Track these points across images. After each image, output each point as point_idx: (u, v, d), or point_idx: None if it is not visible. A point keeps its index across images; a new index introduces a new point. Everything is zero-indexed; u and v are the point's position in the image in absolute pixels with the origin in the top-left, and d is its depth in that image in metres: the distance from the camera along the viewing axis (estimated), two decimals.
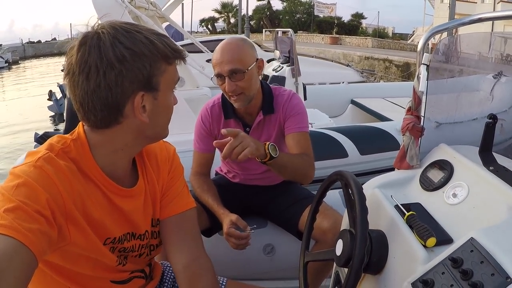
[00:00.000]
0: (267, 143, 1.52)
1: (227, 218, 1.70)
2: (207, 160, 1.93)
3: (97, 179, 0.96)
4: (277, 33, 5.65)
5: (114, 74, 0.85)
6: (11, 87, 18.67)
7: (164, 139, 1.10)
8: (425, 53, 1.22)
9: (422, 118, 1.26)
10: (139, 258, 1.12)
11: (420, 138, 1.27)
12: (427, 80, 1.19)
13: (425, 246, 0.95)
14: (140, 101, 0.90)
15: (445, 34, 1.38)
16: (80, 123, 0.97)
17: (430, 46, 1.36)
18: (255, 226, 1.74)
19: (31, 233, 0.75)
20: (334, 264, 1.33)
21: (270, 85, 1.90)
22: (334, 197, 2.04)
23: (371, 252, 1.05)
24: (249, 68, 1.67)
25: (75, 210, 0.89)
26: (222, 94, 1.85)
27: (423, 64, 1.20)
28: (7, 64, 31.39)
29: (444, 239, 0.97)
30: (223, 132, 1.40)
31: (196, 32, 39.29)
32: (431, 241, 0.95)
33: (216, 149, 1.90)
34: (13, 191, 0.79)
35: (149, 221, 1.12)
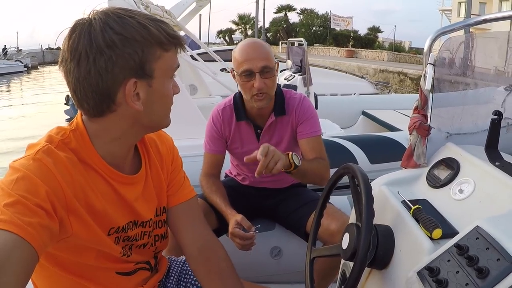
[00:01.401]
0: (290, 153, 1.56)
1: (233, 218, 1.71)
2: (217, 162, 1.93)
3: (98, 167, 0.95)
4: (290, 43, 5.67)
5: (104, 60, 0.84)
6: (29, 91, 19.08)
7: (172, 139, 1.11)
8: (431, 53, 1.23)
9: (429, 116, 1.27)
10: (143, 248, 1.11)
11: (427, 137, 1.27)
12: (433, 78, 1.20)
13: (431, 238, 0.95)
14: (132, 88, 0.88)
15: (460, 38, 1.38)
16: (79, 113, 0.96)
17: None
18: (259, 226, 1.75)
19: (31, 227, 0.75)
20: (341, 263, 1.33)
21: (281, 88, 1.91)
22: (342, 201, 2.05)
23: (377, 246, 1.05)
24: (276, 67, 1.70)
25: (76, 202, 0.88)
26: (234, 96, 1.87)
27: (429, 63, 1.21)
28: (26, 69, 32.18)
29: (450, 231, 0.97)
30: (258, 157, 1.43)
31: (214, 44, 39.63)
32: (437, 232, 0.95)
33: (226, 151, 1.93)
34: (12, 185, 0.79)
35: (153, 210, 1.12)
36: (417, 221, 1.02)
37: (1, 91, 21.61)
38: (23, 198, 0.77)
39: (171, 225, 1.19)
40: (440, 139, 1.32)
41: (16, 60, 33.60)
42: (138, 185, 1.06)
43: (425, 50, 1.28)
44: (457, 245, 0.82)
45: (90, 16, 0.87)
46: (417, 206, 1.05)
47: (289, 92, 1.91)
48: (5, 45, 37.15)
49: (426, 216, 1.00)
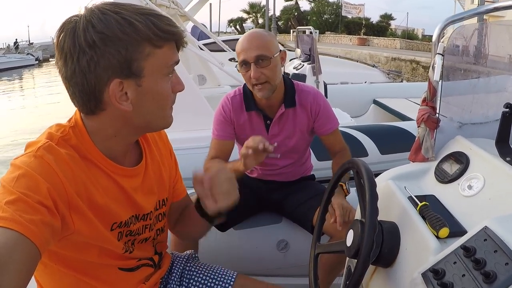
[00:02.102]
0: (343, 185, 1.70)
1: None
2: (226, 148, 1.88)
3: (99, 162, 0.94)
4: (299, 31, 5.59)
5: (86, 60, 0.82)
6: (41, 84, 19.27)
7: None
8: (440, 43, 1.18)
9: (438, 109, 1.22)
10: (145, 242, 1.11)
11: (435, 130, 1.23)
12: (442, 69, 1.15)
13: (437, 237, 0.92)
14: (117, 88, 0.86)
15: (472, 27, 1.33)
16: (77, 110, 0.95)
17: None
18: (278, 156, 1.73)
19: (33, 225, 0.74)
20: (347, 259, 1.31)
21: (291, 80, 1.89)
22: (350, 195, 2.01)
23: (382, 243, 1.02)
24: (274, 55, 1.67)
25: (77, 199, 0.87)
26: (244, 86, 1.85)
27: (438, 53, 1.16)
28: (37, 62, 32.44)
29: (458, 230, 0.94)
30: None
31: (225, 33, 39.49)
32: (444, 231, 0.92)
33: (235, 141, 1.90)
34: (13, 183, 0.78)
35: (153, 202, 1.11)
36: (424, 218, 0.99)
37: (14, 84, 21.90)
38: (25, 196, 0.77)
39: (176, 215, 1.23)
40: (452, 129, 1.28)
41: (28, 54, 33.86)
42: (138, 177, 1.05)
43: (433, 39, 1.24)
44: (464, 247, 0.78)
45: (79, 13, 0.86)
46: (424, 203, 1.02)
47: (301, 84, 1.89)
48: (16, 39, 37.59)
49: (433, 214, 0.96)
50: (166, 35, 0.88)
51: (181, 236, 1.37)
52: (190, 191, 1.96)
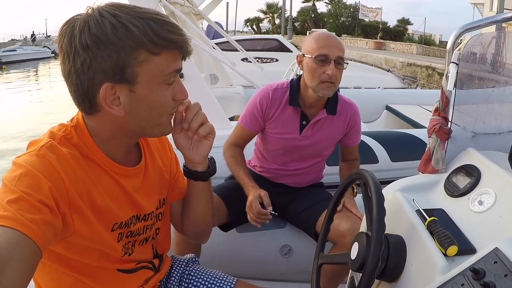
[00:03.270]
0: (354, 188, 1.82)
1: (256, 192, 1.74)
2: (247, 137, 1.93)
3: (101, 162, 0.94)
4: (312, 33, 5.54)
5: (80, 62, 0.82)
6: (56, 76, 19.53)
7: None
8: (454, 51, 1.14)
9: (450, 120, 1.18)
10: (145, 244, 1.10)
11: (446, 141, 1.19)
12: (456, 79, 1.11)
13: (445, 255, 0.89)
14: (109, 92, 0.85)
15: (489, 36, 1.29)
16: (79, 110, 0.95)
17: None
18: (276, 214, 1.74)
19: (34, 224, 0.74)
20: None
21: None
22: (356, 200, 1.98)
23: (387, 257, 0.99)
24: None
25: (78, 199, 0.87)
26: (291, 81, 1.85)
27: (452, 62, 1.12)
28: (53, 55, 32.94)
29: (467, 248, 0.91)
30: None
31: (241, 32, 39.47)
32: (453, 249, 0.89)
33: (263, 129, 1.91)
34: (15, 182, 0.78)
35: (154, 202, 1.10)
36: (432, 234, 0.95)
37: (29, 75, 22.23)
38: (26, 195, 0.76)
39: (177, 214, 1.22)
40: (464, 139, 1.25)
41: (44, 46, 34.47)
42: (138, 176, 1.05)
43: (448, 47, 1.19)
44: (472, 269, 0.75)
45: (82, 13, 0.85)
46: (432, 218, 0.99)
47: (343, 96, 1.91)
48: (33, 31, 38.17)
49: (442, 230, 0.93)
50: (164, 42, 0.85)
51: (191, 233, 1.28)
52: None
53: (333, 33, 1.81)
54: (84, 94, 0.86)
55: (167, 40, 0.85)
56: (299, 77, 1.83)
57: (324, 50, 1.66)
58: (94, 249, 0.94)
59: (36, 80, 20.57)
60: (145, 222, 1.07)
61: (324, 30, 1.77)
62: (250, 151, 2.05)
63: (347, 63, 1.74)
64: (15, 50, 31.56)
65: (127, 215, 1.00)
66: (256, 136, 1.97)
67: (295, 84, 1.82)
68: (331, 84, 1.68)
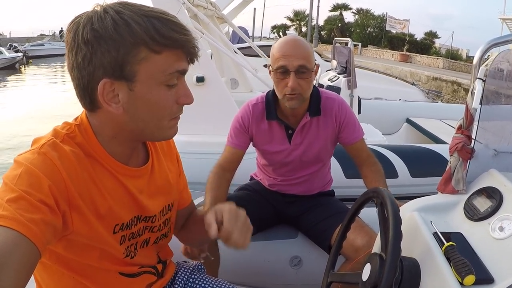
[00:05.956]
0: None
1: None
2: (236, 157, 1.82)
3: (104, 161, 0.93)
4: (336, 42, 5.47)
5: (81, 56, 0.82)
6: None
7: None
8: (481, 67, 1.08)
9: (474, 138, 1.13)
10: (147, 247, 1.08)
11: (469, 161, 1.13)
12: (482, 96, 1.06)
13: (462, 284, 0.85)
14: (107, 89, 0.83)
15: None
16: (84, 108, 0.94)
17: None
18: (211, 259, 1.53)
19: (34, 224, 0.73)
20: None
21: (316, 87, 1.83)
22: (371, 214, 1.92)
23: (400, 281, 0.95)
24: (313, 69, 1.62)
25: (78, 199, 0.85)
26: (267, 94, 1.79)
27: (479, 78, 1.07)
28: None
29: (484, 277, 0.86)
30: None
31: (267, 38, 39.54)
32: (470, 279, 0.84)
33: (256, 148, 1.85)
34: (15, 180, 0.77)
35: (158, 205, 1.08)
36: (449, 260, 0.91)
37: (56, 70, 22.72)
38: (26, 194, 0.75)
39: (181, 221, 1.23)
40: (487, 158, 1.20)
41: None
42: (143, 178, 1.03)
43: (474, 62, 1.14)
44: None
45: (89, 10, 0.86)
46: (450, 243, 0.94)
47: (324, 92, 1.82)
48: (61, 28, 39.28)
49: (459, 257, 0.89)
50: (166, 40, 0.83)
51: (184, 241, 1.35)
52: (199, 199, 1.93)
53: (297, 38, 1.67)
54: (85, 89, 0.85)
55: (168, 38, 0.83)
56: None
57: (281, 61, 1.57)
58: (95, 248, 0.92)
59: (63, 75, 21.13)
60: (146, 223, 1.05)
61: (290, 35, 1.66)
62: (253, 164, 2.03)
63: (312, 70, 1.61)
64: (43, 45, 32.72)
65: (128, 215, 0.99)
66: (256, 152, 1.93)
67: (271, 96, 1.76)
68: (296, 95, 1.59)
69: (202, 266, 1.38)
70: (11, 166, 0.82)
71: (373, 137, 3.51)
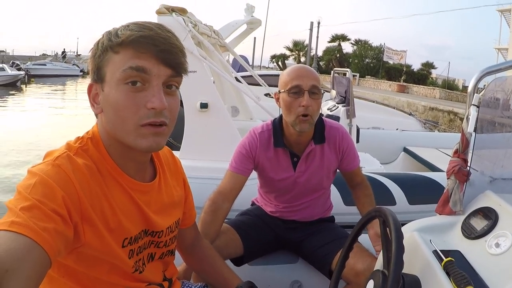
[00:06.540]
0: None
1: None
2: (239, 182, 1.78)
3: (115, 174, 0.95)
4: (335, 73, 5.58)
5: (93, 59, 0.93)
6: (82, 93, 20.12)
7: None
8: (475, 94, 1.15)
9: (469, 166, 1.19)
10: (153, 261, 1.09)
11: (465, 183, 1.18)
12: (477, 122, 1.12)
13: None
14: (92, 91, 0.93)
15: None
16: (95, 122, 0.98)
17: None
18: None
19: (46, 233, 0.74)
20: None
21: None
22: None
23: None
24: (322, 94, 1.68)
25: (91, 211, 0.87)
26: (273, 121, 1.83)
27: (473, 105, 1.13)
28: (81, 73, 34.55)
29: None
30: None
31: (267, 68, 39.86)
32: None
33: (258, 175, 1.89)
34: (30, 190, 0.78)
35: (167, 221, 1.10)
36: (448, 274, 0.95)
37: (57, 90, 22.92)
38: (40, 203, 0.76)
39: (183, 242, 1.27)
40: (482, 183, 1.24)
41: (73, 64, 36.02)
42: (151, 193, 1.05)
43: (469, 90, 1.21)
44: None
45: None
46: (449, 258, 0.98)
47: (328, 121, 1.87)
48: (64, 49, 39.87)
49: (458, 271, 0.93)
50: (117, 39, 0.86)
51: (191, 267, 1.42)
52: None
53: (305, 65, 1.74)
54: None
55: (120, 36, 0.86)
56: (281, 116, 1.79)
57: (295, 82, 1.62)
58: (105, 262, 0.93)
59: (63, 97, 21.21)
60: (152, 238, 1.06)
61: (299, 65, 1.75)
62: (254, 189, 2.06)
63: (322, 93, 1.68)
64: (45, 65, 32.89)
65: (137, 229, 1.00)
66: (257, 179, 1.94)
67: (278, 124, 1.80)
68: (308, 117, 1.63)
69: (208, 287, 1.40)
70: (25, 176, 0.84)
71: (371, 165, 3.55)
